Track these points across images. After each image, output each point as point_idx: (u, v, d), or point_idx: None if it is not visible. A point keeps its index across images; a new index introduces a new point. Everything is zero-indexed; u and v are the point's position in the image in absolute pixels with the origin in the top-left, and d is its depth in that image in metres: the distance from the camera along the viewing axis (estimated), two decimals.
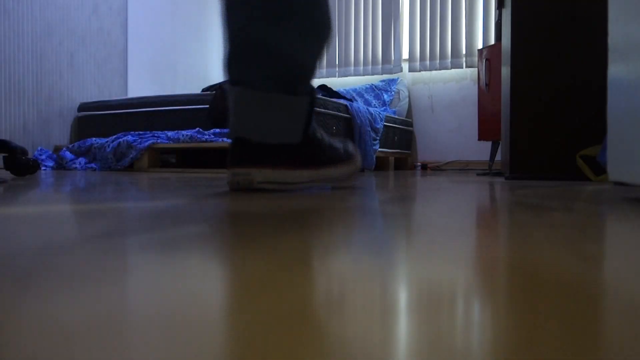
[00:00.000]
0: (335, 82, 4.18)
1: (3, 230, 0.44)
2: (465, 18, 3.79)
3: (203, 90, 2.96)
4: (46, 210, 0.61)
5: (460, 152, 3.86)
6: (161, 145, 2.59)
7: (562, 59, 1.77)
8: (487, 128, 2.99)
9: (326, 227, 0.47)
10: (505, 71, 1.97)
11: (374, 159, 3.07)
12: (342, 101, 2.99)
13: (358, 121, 2.99)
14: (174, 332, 0.18)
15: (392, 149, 3.55)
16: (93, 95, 3.28)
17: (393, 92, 3.83)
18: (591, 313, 0.20)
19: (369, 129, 3.07)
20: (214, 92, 2.73)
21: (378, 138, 3.16)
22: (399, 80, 3.92)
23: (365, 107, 3.18)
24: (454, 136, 3.87)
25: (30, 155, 2.81)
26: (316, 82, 3.94)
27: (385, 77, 4.01)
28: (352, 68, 4.10)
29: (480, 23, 3.75)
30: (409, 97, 3.96)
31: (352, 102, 3.11)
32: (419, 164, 3.89)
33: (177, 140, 2.55)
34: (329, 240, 0.39)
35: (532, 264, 0.31)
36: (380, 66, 4.03)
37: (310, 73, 0.98)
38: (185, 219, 0.52)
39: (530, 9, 1.80)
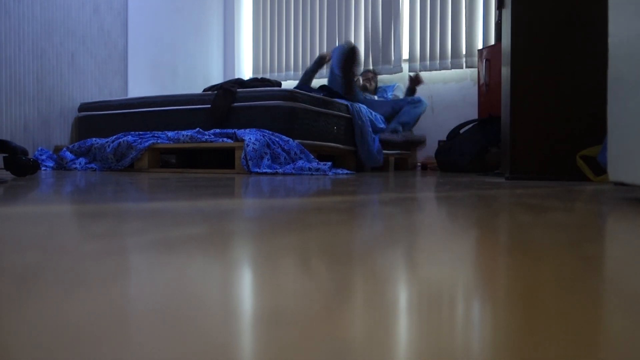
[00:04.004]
0: None
1: (3, 230, 0.44)
2: (465, 18, 3.79)
3: (204, 90, 2.96)
4: (47, 210, 0.61)
5: None
6: (161, 146, 2.59)
7: (562, 59, 1.77)
8: None
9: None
10: (505, 71, 1.97)
11: (380, 158, 3.08)
12: (342, 101, 2.99)
13: (359, 121, 2.99)
14: (176, 331, 0.18)
15: (392, 149, 3.55)
16: (93, 95, 3.28)
17: (389, 98, 3.82)
18: (591, 313, 0.20)
19: (370, 129, 3.07)
20: (216, 92, 2.73)
21: (376, 137, 3.17)
22: (395, 86, 3.92)
23: (365, 107, 3.18)
24: None
25: (30, 156, 2.81)
26: (317, 83, 3.94)
27: (381, 84, 4.00)
28: None
29: (480, 23, 3.75)
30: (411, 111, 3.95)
31: (353, 102, 3.11)
32: (419, 164, 3.89)
33: (177, 140, 2.55)
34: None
35: (532, 263, 0.31)
36: (380, 66, 4.03)
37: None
38: (186, 219, 0.52)
39: (530, 9, 1.80)
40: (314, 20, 4.27)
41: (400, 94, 3.85)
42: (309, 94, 2.71)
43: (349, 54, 2.98)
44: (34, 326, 0.18)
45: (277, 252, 0.34)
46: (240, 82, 2.89)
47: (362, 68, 3.72)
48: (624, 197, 0.93)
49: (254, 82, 2.94)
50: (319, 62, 3.48)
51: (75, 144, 2.79)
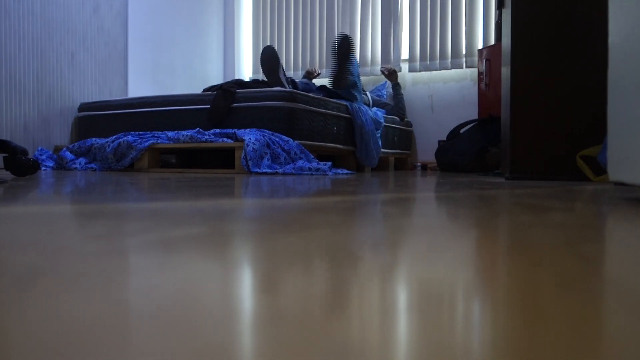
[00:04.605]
0: None
1: (3, 230, 0.44)
2: (465, 18, 3.79)
3: (204, 90, 2.96)
4: (47, 210, 0.61)
5: None
6: (161, 146, 2.59)
7: (562, 58, 1.77)
8: None
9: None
10: (505, 71, 1.97)
11: (377, 157, 3.07)
12: (342, 101, 2.99)
13: (359, 120, 2.99)
14: (176, 331, 0.18)
15: (392, 149, 3.55)
16: (93, 95, 3.28)
17: (384, 96, 3.84)
18: (591, 313, 0.20)
19: (371, 127, 3.06)
20: (215, 92, 2.73)
21: (379, 135, 3.17)
22: (387, 84, 3.94)
23: (365, 107, 3.18)
24: None
25: (30, 156, 2.81)
26: (317, 83, 3.94)
27: (378, 84, 4.01)
28: None
29: (480, 23, 3.75)
30: (402, 97, 3.97)
31: (352, 102, 3.11)
32: (419, 164, 3.89)
33: (177, 140, 2.55)
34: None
35: (532, 263, 0.31)
36: (380, 66, 4.03)
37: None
38: (186, 220, 0.52)
39: (530, 9, 1.80)
40: (314, 20, 4.27)
41: (392, 90, 3.87)
42: (309, 94, 2.71)
43: (344, 42, 2.95)
44: (33, 326, 0.18)
45: (276, 253, 0.34)
46: (240, 83, 2.89)
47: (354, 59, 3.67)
48: (624, 197, 0.93)
49: (254, 83, 2.94)
50: (307, 77, 3.80)
51: (75, 144, 2.79)
